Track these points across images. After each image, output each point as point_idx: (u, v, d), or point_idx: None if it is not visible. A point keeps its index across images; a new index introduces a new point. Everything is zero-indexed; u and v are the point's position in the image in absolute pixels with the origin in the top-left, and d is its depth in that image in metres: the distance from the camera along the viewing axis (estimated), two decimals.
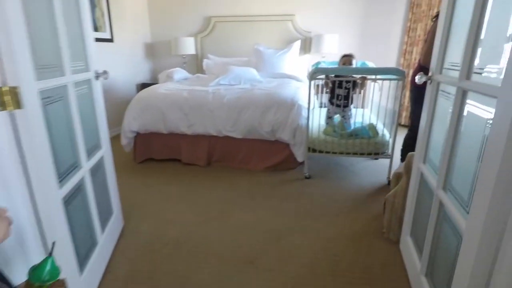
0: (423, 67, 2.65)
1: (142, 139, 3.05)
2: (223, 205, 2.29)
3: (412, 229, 1.58)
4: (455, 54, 1.17)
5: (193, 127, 2.88)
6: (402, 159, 2.94)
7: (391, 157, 2.53)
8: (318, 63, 3.53)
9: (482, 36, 0.98)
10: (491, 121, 0.85)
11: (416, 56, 4.10)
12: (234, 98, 2.85)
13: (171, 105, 2.87)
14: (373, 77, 2.48)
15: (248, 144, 2.91)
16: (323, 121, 2.89)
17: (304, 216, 2.13)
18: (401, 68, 4.26)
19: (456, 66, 1.14)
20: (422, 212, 1.44)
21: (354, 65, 2.58)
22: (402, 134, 3.00)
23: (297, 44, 4.10)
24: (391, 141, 2.52)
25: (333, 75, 2.46)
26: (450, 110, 1.14)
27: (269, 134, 2.77)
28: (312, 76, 2.40)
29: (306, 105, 2.61)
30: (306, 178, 2.70)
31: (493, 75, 0.89)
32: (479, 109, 0.96)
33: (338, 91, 2.56)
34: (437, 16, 2.56)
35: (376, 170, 2.84)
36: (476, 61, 1.00)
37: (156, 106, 2.88)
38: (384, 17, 4.18)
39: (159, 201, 2.34)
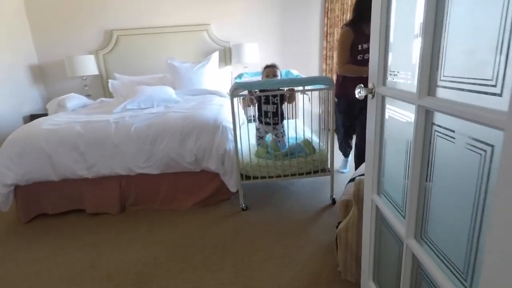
0: (344, 76, 2.51)
1: (25, 192, 2.32)
2: (142, 268, 1.76)
3: (375, 273, 1.29)
4: (403, 58, 0.89)
5: (95, 169, 2.27)
6: (356, 166, 2.72)
7: (331, 173, 2.29)
8: (241, 75, 3.20)
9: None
10: (486, 151, 0.55)
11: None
12: (144, 126, 2.33)
13: (60, 144, 2.22)
14: (301, 88, 2.23)
15: (169, 179, 2.41)
16: (254, 141, 2.54)
17: (247, 264, 1.72)
18: (324, 74, 4.20)
19: (407, 75, 0.86)
20: (387, 257, 1.15)
21: (279, 76, 2.29)
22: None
23: (216, 56, 3.74)
24: (329, 156, 2.29)
25: (257, 90, 2.13)
26: (410, 135, 0.86)
27: (192, 165, 2.31)
28: (234, 93, 2.03)
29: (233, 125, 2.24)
30: (243, 209, 2.32)
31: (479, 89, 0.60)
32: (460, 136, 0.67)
33: (265, 107, 2.26)
34: (347, 24, 2.40)
35: (318, 188, 2.60)
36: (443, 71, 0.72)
37: (38, 148, 2.20)
38: (302, 24, 4.08)
39: (52, 282, 1.70)
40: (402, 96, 0.90)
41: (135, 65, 3.93)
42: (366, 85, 1.09)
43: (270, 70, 2.27)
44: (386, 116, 1.04)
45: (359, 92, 1.06)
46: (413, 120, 0.84)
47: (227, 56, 4.00)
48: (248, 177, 2.29)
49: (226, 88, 3.60)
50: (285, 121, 2.37)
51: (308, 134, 2.58)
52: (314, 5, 4.04)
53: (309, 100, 2.28)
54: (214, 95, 3.27)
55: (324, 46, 4.12)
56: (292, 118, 3.26)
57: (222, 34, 3.97)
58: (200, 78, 3.52)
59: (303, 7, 4.03)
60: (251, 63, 3.89)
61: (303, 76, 2.99)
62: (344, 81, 2.42)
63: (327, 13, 4.01)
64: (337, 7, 3.94)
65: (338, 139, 2.84)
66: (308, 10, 4.05)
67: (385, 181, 1.09)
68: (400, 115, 0.95)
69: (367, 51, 2.44)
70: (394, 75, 0.95)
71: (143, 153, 2.29)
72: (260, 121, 2.30)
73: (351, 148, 2.87)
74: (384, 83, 1.01)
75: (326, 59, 4.16)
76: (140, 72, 3.88)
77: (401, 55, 0.93)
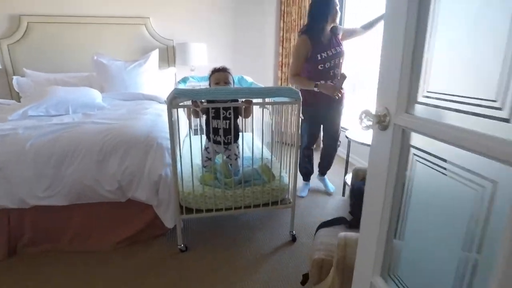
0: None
1: None
2: None
3: None
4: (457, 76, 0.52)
5: None
6: (305, 178, 2.60)
7: (292, 205, 1.90)
8: (185, 79, 2.69)
9: None
10: None
11: None
12: (46, 142, 1.70)
13: None
14: (260, 100, 1.82)
15: (82, 211, 1.81)
16: (200, 162, 2.04)
17: None
18: (279, 83, 3.87)
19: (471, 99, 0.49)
20: None
21: (231, 84, 1.84)
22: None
23: (155, 54, 3.16)
24: (291, 184, 1.90)
25: (204, 101, 1.67)
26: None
27: (115, 194, 1.75)
28: (172, 102, 1.53)
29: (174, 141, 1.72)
30: (182, 251, 1.81)
31: None
32: None
33: (215, 123, 1.78)
34: (303, 31, 2.18)
35: (274, 219, 2.19)
36: None
37: None
38: (256, 26, 3.71)
39: None
40: (456, 138, 0.51)
41: (54, 60, 3.18)
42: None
43: (220, 75, 1.80)
44: (413, 165, 0.65)
45: (365, 122, 0.66)
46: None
47: (170, 56, 3.45)
48: (189, 210, 1.80)
49: (167, 93, 3.06)
50: (240, 140, 1.92)
51: (266, 155, 2.17)
52: (270, 7, 3.70)
53: (270, 115, 1.88)
54: (151, 102, 2.70)
55: (279, 53, 3.79)
56: (247, 131, 2.84)
57: (165, 31, 3.41)
58: (135, 80, 2.91)
59: (257, 8, 3.66)
60: (199, 66, 3.39)
61: (259, 84, 2.60)
62: (309, 91, 2.18)
63: (283, 17, 3.69)
64: (294, 11, 3.64)
65: (300, 153, 2.52)
66: (263, 12, 3.70)
67: (401, 260, 0.70)
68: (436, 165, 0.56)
69: (329, 58, 2.17)
70: (437, 98, 0.56)
71: (42, 179, 1.66)
72: (209, 138, 1.82)
73: (312, 167, 2.55)
74: (408, 110, 0.62)
75: (281, 66, 3.83)
76: (59, 69, 3.14)
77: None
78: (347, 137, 2.26)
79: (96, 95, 2.45)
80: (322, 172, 2.65)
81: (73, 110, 2.23)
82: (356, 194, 1.39)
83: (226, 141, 1.80)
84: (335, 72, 2.20)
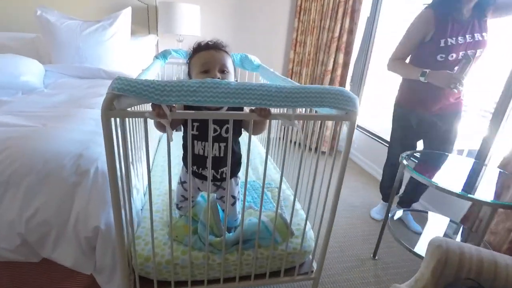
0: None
1: None
2: None
3: None
4: None
5: None
6: (385, 199, 2.02)
7: (316, 276, 1.18)
8: (165, 52, 1.90)
9: None
10: None
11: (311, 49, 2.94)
12: None
13: None
14: (290, 112, 1.03)
15: None
16: (174, 199, 1.27)
17: None
18: (291, 65, 3.06)
19: None
20: None
21: (231, 74, 1.01)
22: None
23: (127, 14, 2.25)
24: (320, 239, 1.17)
25: (180, 105, 0.89)
26: None
27: (19, 252, 1.00)
28: (109, 106, 0.76)
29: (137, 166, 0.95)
30: None
31: None
32: None
33: (199, 146, 0.98)
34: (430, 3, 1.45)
35: None
36: None
37: None
38: None
39: None
40: None
41: None
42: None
43: (211, 56, 0.97)
44: None
45: None
46: None
47: (150, 19, 2.58)
48: (149, 282, 1.07)
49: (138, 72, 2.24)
50: (241, 173, 1.14)
51: (288, 195, 1.43)
52: None
53: (299, 132, 1.10)
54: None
55: (294, 27, 2.95)
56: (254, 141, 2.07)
57: None
58: (95, 49, 2.05)
59: None
60: (188, 36, 2.56)
61: (270, 69, 1.80)
62: (412, 85, 1.62)
63: None
64: None
65: (386, 165, 1.94)
66: None
67: None
68: None
69: (458, 47, 1.45)
70: None
71: None
72: (188, 168, 1.04)
73: (398, 188, 1.69)
74: None
75: (295, 45, 3.01)
76: None
77: None
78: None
79: (24, 69, 1.63)
80: (407, 201, 1.92)
81: None
82: None
83: (218, 176, 1.04)
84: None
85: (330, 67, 2.80)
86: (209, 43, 1.01)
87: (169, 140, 0.81)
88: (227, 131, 0.95)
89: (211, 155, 0.91)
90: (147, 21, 2.57)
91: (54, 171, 0.96)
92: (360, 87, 2.96)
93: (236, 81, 0.94)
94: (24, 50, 2.11)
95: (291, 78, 3.09)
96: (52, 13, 2.06)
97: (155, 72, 1.69)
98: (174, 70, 2.57)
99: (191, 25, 2.46)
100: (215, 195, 1.12)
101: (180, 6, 2.37)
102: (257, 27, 2.89)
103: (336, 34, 2.71)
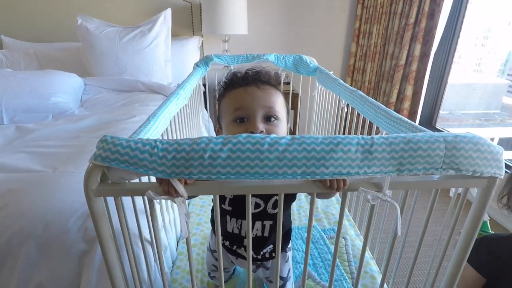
0: None
1: None
2: None
3: None
4: None
5: None
6: None
7: None
8: (207, 59, 1.65)
9: None
10: None
11: (378, 40, 2.46)
12: None
13: None
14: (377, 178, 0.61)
15: None
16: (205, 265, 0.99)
17: None
18: (353, 60, 2.62)
19: None
20: None
21: (284, 124, 0.66)
22: None
23: (167, 16, 2.04)
24: None
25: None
26: None
27: None
28: (92, 181, 0.50)
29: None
30: None
31: None
32: None
33: (232, 224, 0.68)
34: None
35: None
36: None
37: None
38: None
39: None
40: None
41: (35, 24, 2.27)
42: None
43: (249, 95, 0.64)
44: None
45: None
46: None
47: (195, 18, 2.35)
48: None
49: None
50: (289, 252, 0.79)
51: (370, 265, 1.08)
52: None
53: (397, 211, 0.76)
54: (154, 97, 1.69)
55: (357, 15, 2.50)
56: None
57: None
58: (135, 59, 1.88)
59: None
60: (236, 36, 2.28)
61: (326, 71, 1.43)
62: None
63: None
64: None
65: None
66: None
67: None
68: None
69: None
70: None
71: None
72: (225, 246, 0.75)
73: None
74: None
75: (358, 35, 2.55)
76: (41, 37, 2.23)
77: None
78: None
79: (57, 87, 1.50)
80: None
81: (9, 117, 1.31)
82: None
83: (258, 255, 0.74)
84: None
85: (403, 61, 2.31)
86: (248, 73, 0.68)
87: (187, 236, 0.52)
88: (274, 206, 0.64)
89: (252, 235, 0.62)
90: (190, 21, 2.35)
91: (56, 237, 0.76)
92: (440, 85, 2.41)
93: (289, 127, 0.62)
94: (70, 60, 2.04)
95: (353, 75, 2.66)
96: (92, 22, 1.93)
97: (194, 84, 1.45)
98: (218, 76, 2.31)
99: (238, 23, 2.17)
100: (257, 273, 0.82)
101: (226, 1, 2.09)
102: (311, 18, 2.50)
103: (412, 20, 2.20)
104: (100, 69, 1.90)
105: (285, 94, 0.74)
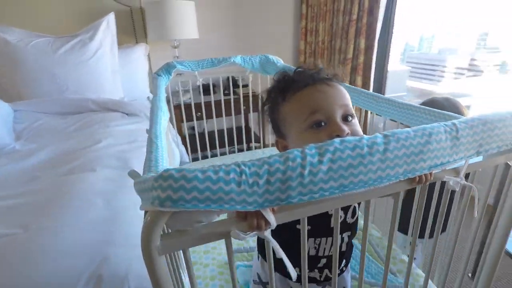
0: None
1: None
2: None
3: None
4: None
5: None
6: None
7: None
8: (169, 66, 1.47)
9: None
10: None
11: (325, 36, 2.54)
12: None
13: None
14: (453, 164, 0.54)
15: None
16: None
17: None
18: (303, 57, 2.66)
19: None
20: None
21: (358, 125, 0.57)
22: None
23: (110, 22, 1.80)
24: None
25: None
26: None
27: None
28: (153, 237, 0.36)
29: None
30: None
31: None
32: None
33: (311, 244, 0.57)
34: None
35: None
36: None
37: None
38: None
39: None
40: None
41: None
42: None
43: (324, 95, 0.54)
44: None
45: None
46: None
47: (137, 24, 2.13)
48: None
49: (139, 93, 1.82)
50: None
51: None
52: None
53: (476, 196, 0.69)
54: (110, 115, 1.44)
55: (303, 13, 2.55)
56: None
57: None
58: (77, 74, 1.60)
59: None
60: (186, 41, 2.12)
61: (291, 67, 1.41)
62: None
63: None
64: None
65: None
66: None
67: None
68: None
69: None
70: None
71: None
72: (285, 272, 0.61)
73: None
74: None
75: (305, 34, 2.61)
76: None
77: None
78: None
79: None
80: None
81: None
82: None
83: (321, 278, 0.63)
84: None
85: (350, 54, 2.42)
86: (314, 73, 0.58)
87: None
88: (353, 214, 0.56)
89: (328, 254, 0.53)
90: (132, 28, 2.12)
91: None
92: (383, 74, 2.60)
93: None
94: None
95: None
96: (11, 32, 1.59)
97: (164, 96, 1.28)
98: (180, 85, 2.14)
99: (187, 26, 2.02)
100: None
101: (172, 4, 1.92)
102: (260, 18, 2.47)
103: (354, 17, 2.32)
104: (33, 90, 1.57)
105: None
